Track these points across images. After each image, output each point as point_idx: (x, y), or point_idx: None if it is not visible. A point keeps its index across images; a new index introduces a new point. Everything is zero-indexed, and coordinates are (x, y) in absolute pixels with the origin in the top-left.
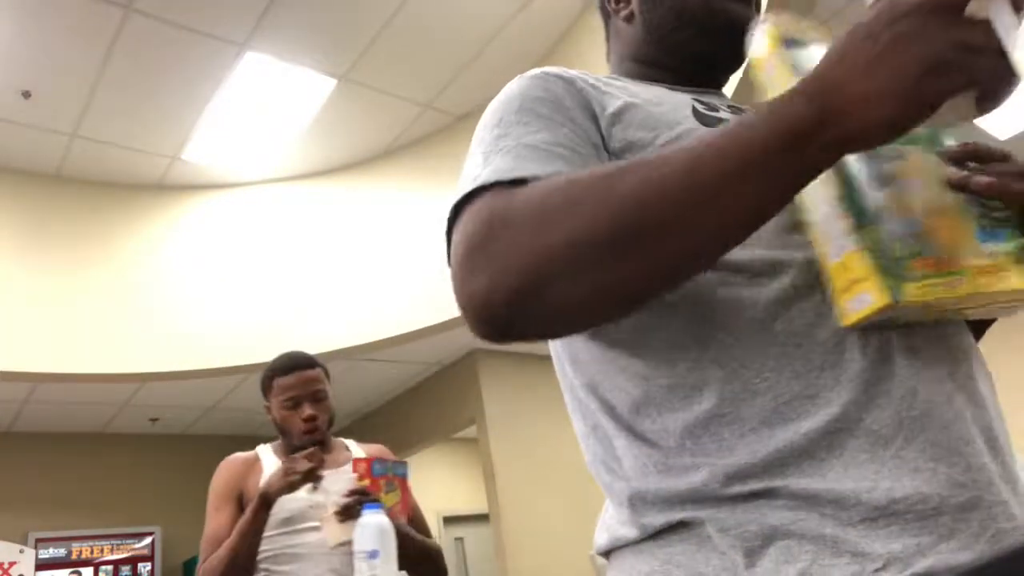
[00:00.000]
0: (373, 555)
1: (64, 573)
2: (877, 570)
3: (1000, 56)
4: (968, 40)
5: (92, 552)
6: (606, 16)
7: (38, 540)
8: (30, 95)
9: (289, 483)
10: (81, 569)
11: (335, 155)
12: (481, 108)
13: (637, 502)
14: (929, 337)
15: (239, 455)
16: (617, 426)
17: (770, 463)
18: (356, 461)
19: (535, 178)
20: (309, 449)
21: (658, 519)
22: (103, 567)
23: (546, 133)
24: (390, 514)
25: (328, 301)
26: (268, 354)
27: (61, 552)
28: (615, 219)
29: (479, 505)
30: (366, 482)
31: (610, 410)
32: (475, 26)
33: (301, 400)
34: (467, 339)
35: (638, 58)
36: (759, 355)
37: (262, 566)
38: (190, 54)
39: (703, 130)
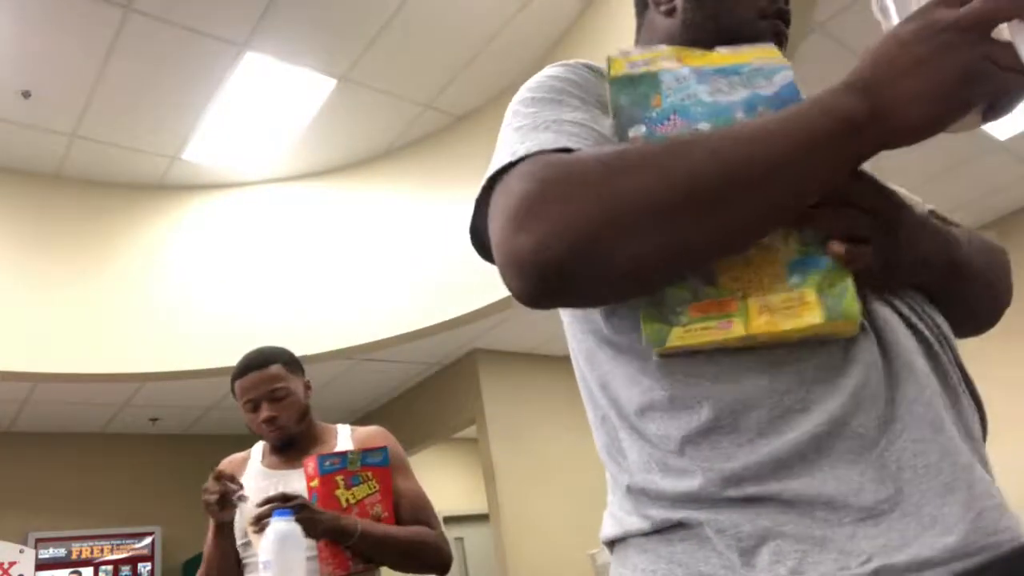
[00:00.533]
0: (268, 565)
1: (64, 573)
2: (863, 563)
3: (1018, 74)
4: (995, 56)
5: (92, 552)
6: (643, 6)
7: (38, 540)
8: (30, 95)
9: (208, 512)
10: (81, 569)
11: (335, 155)
12: (481, 108)
13: (640, 495)
14: (922, 352)
15: (235, 455)
16: (624, 423)
17: (764, 468)
18: (305, 462)
19: (579, 149)
20: (214, 472)
21: (659, 514)
22: (103, 567)
23: (582, 113)
24: (360, 508)
25: (328, 301)
26: None
27: (61, 552)
28: (690, 180)
29: (479, 505)
30: (315, 483)
31: (618, 408)
32: (475, 26)
33: (259, 401)
34: (467, 339)
35: (673, 43)
36: (755, 372)
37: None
38: (190, 54)
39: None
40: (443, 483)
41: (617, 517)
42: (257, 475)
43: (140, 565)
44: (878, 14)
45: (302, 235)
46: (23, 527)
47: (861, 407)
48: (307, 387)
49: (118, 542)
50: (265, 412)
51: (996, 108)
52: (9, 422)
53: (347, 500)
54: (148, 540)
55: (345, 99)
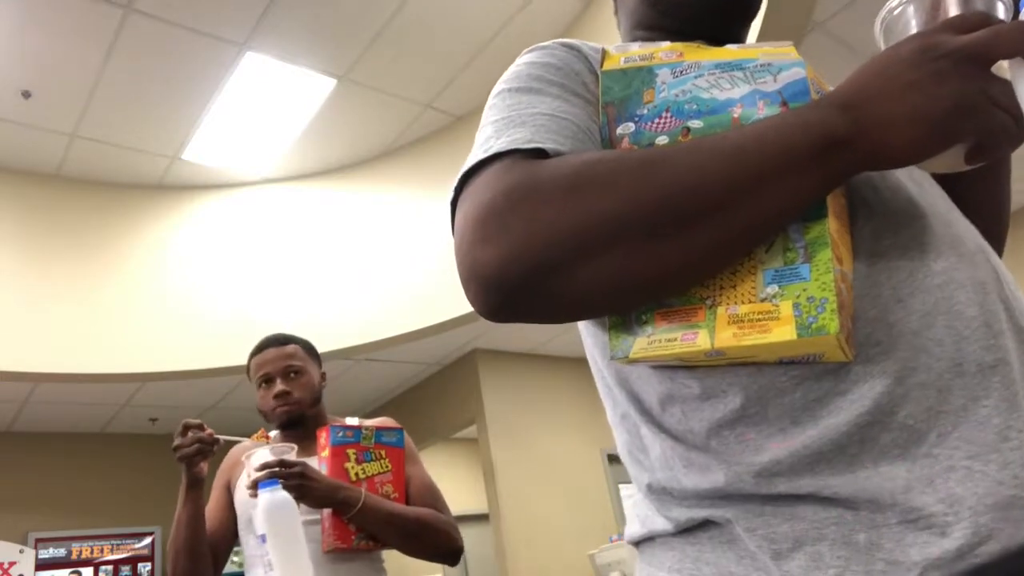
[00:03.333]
0: (263, 539)
1: (64, 573)
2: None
3: (1012, 116)
4: (992, 92)
5: (92, 552)
6: None
7: (38, 540)
8: (30, 95)
9: (178, 458)
10: (81, 569)
11: (335, 155)
12: (481, 108)
13: (662, 494)
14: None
15: (237, 448)
16: (644, 418)
17: (799, 461)
18: (318, 432)
19: (556, 152)
20: (179, 428)
21: (683, 514)
22: (103, 567)
23: (561, 102)
24: (369, 484)
25: (328, 301)
26: None
27: (61, 552)
28: (658, 200)
29: (479, 505)
30: (325, 452)
31: (638, 403)
32: (475, 26)
33: (273, 377)
34: (467, 339)
35: (641, 24)
36: None
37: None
38: (190, 54)
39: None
40: (443, 483)
41: (641, 517)
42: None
43: (140, 565)
44: (879, 37)
45: (302, 235)
46: (23, 527)
47: (909, 395)
48: (323, 376)
49: (118, 542)
50: (279, 386)
51: (981, 149)
52: (9, 422)
53: (357, 474)
54: (148, 540)
55: (345, 99)
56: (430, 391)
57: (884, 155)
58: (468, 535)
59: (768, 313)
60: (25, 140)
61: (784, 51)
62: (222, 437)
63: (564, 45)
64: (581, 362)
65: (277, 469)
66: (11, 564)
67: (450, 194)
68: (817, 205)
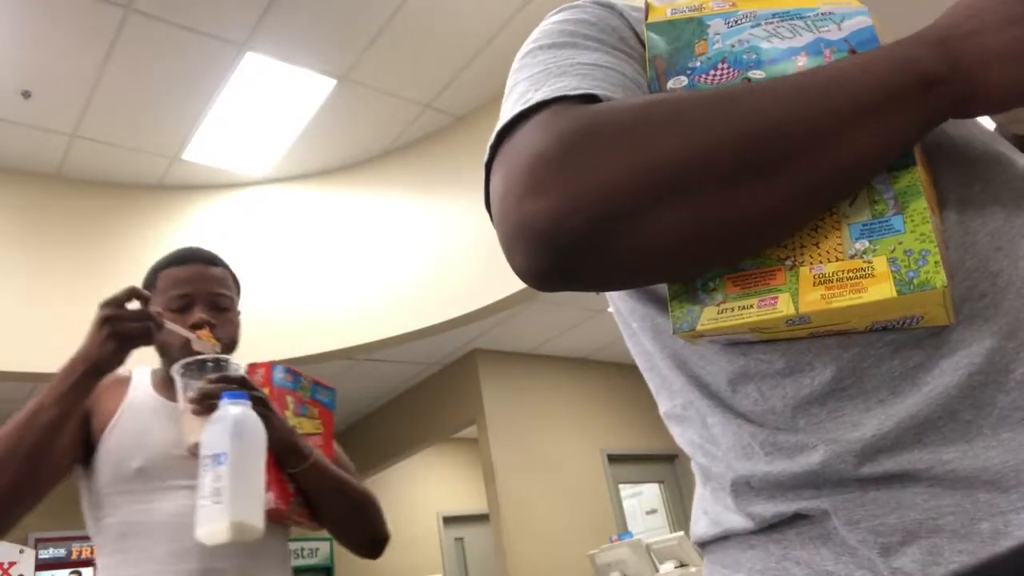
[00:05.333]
0: (218, 460)
1: (64, 573)
2: None
3: None
4: None
5: (92, 552)
6: None
7: (38, 540)
8: (30, 95)
9: (112, 332)
10: (81, 569)
11: (335, 155)
12: (481, 108)
13: (740, 488)
14: None
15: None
16: (711, 404)
17: (905, 433)
18: (252, 366)
19: (608, 99)
20: (124, 292)
21: (767, 508)
22: None
23: (601, 55)
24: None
25: (328, 301)
26: (268, 354)
27: (61, 552)
28: (738, 139)
29: (479, 505)
30: (264, 392)
31: (702, 386)
32: (475, 26)
33: (194, 300)
34: (467, 339)
35: None
36: None
37: (103, 539)
38: (190, 54)
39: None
40: (443, 483)
41: (712, 514)
42: (144, 397)
43: None
44: None
45: (302, 235)
46: (23, 527)
47: None
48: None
49: None
50: (200, 314)
51: None
52: None
53: (294, 428)
54: None
55: (345, 99)
56: (430, 391)
57: (981, 96)
58: (468, 535)
59: (860, 271)
60: (25, 140)
61: None
62: (169, 325)
63: (597, 3)
64: (581, 362)
65: (237, 386)
66: (11, 564)
67: (485, 158)
68: (904, 153)
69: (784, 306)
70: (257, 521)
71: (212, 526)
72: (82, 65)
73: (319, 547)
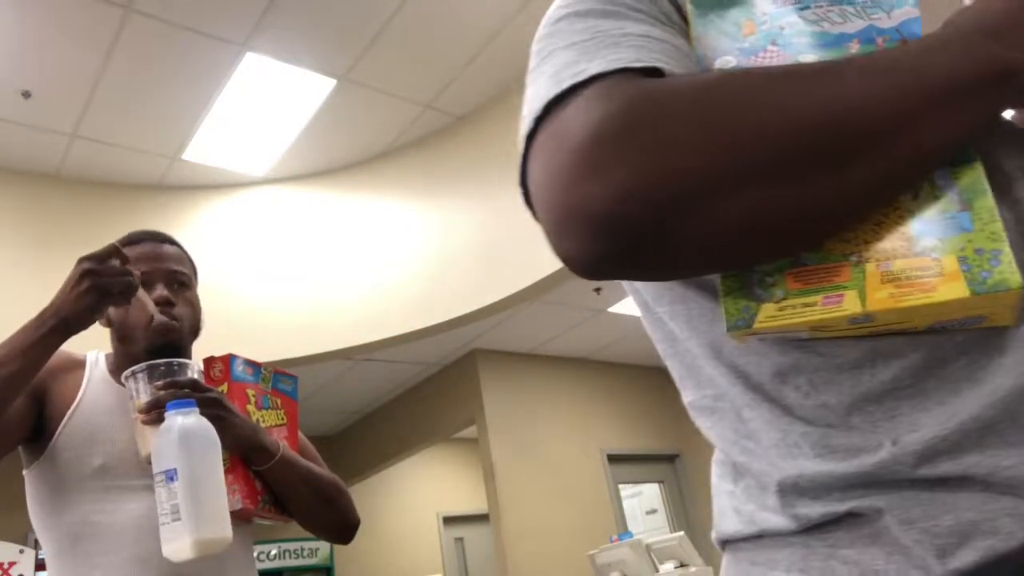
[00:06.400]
0: (170, 476)
1: None
2: None
3: None
4: None
5: None
6: None
7: (38, 540)
8: (30, 95)
9: (90, 286)
10: None
11: (335, 155)
12: (481, 108)
13: (787, 489)
14: None
15: (56, 358)
16: (753, 397)
17: (965, 436)
18: (209, 360)
19: (671, 72)
20: (106, 249)
21: (815, 509)
22: None
23: (649, 27)
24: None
25: (328, 301)
26: (267, 354)
27: None
28: (818, 120)
29: (479, 505)
30: (223, 387)
31: (743, 377)
32: (475, 26)
33: (152, 278)
34: (467, 339)
35: None
36: None
37: (54, 538)
38: (190, 54)
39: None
40: (443, 483)
41: (745, 513)
42: (102, 387)
43: None
44: None
45: (302, 235)
46: (23, 527)
47: None
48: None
49: None
50: (161, 291)
51: None
52: None
53: (257, 422)
54: None
55: (345, 99)
56: (430, 391)
57: None
58: (468, 535)
59: (928, 269)
60: (25, 140)
61: None
62: (141, 293)
63: None
64: (581, 362)
65: (187, 390)
66: (11, 564)
67: (523, 131)
68: (963, 150)
69: (850, 304)
70: (222, 532)
71: (175, 544)
72: (82, 65)
73: (319, 547)
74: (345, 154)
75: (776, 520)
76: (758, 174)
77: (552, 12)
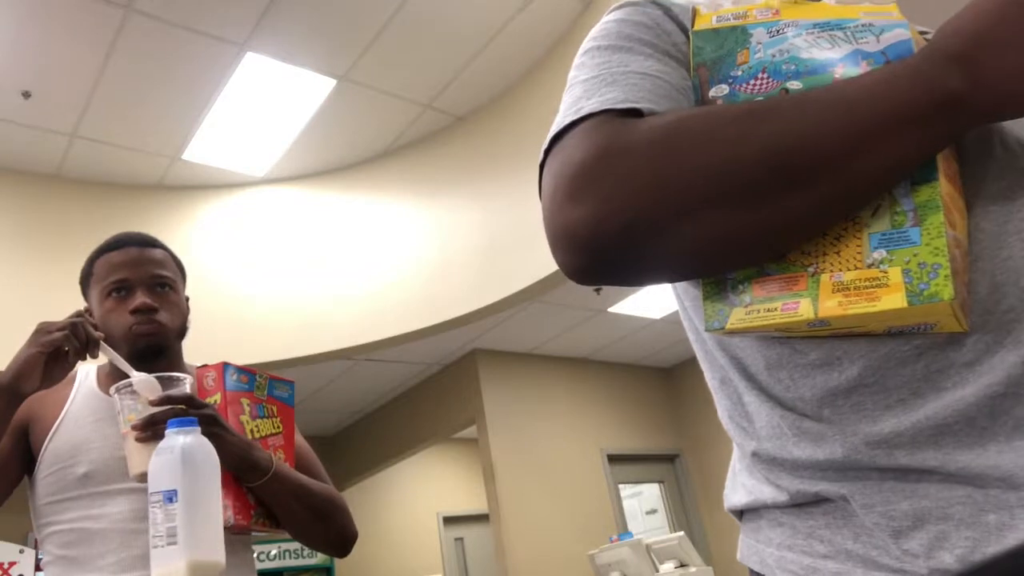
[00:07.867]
0: (169, 498)
1: None
2: None
3: None
4: None
5: None
6: None
7: (38, 540)
8: (30, 95)
9: (44, 344)
10: None
11: (335, 155)
12: (481, 108)
13: (771, 463)
14: None
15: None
16: (748, 384)
17: (921, 433)
18: (199, 371)
19: (651, 112)
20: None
21: (793, 485)
22: None
23: (654, 62)
24: (262, 447)
25: (328, 301)
26: (267, 354)
27: None
28: (761, 153)
29: (479, 505)
30: (216, 397)
31: (741, 368)
32: (475, 26)
33: (133, 284)
34: (467, 339)
35: None
36: None
37: (47, 548)
38: (190, 54)
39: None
40: (443, 483)
41: (747, 486)
42: (89, 400)
43: None
44: None
45: (302, 235)
46: (23, 527)
47: None
48: (187, 301)
49: None
50: (141, 298)
51: None
52: None
53: (252, 432)
54: None
55: (345, 99)
56: (430, 391)
57: (1010, 108)
58: (468, 535)
59: (876, 280)
60: (25, 140)
61: (886, 10)
62: (106, 350)
63: (654, 2)
64: (581, 362)
65: (183, 407)
66: (11, 564)
67: (540, 156)
68: (927, 167)
69: (805, 310)
70: (217, 556)
71: (168, 568)
72: (82, 65)
73: None
74: (345, 154)
75: (767, 491)
76: (705, 204)
77: (584, 43)
